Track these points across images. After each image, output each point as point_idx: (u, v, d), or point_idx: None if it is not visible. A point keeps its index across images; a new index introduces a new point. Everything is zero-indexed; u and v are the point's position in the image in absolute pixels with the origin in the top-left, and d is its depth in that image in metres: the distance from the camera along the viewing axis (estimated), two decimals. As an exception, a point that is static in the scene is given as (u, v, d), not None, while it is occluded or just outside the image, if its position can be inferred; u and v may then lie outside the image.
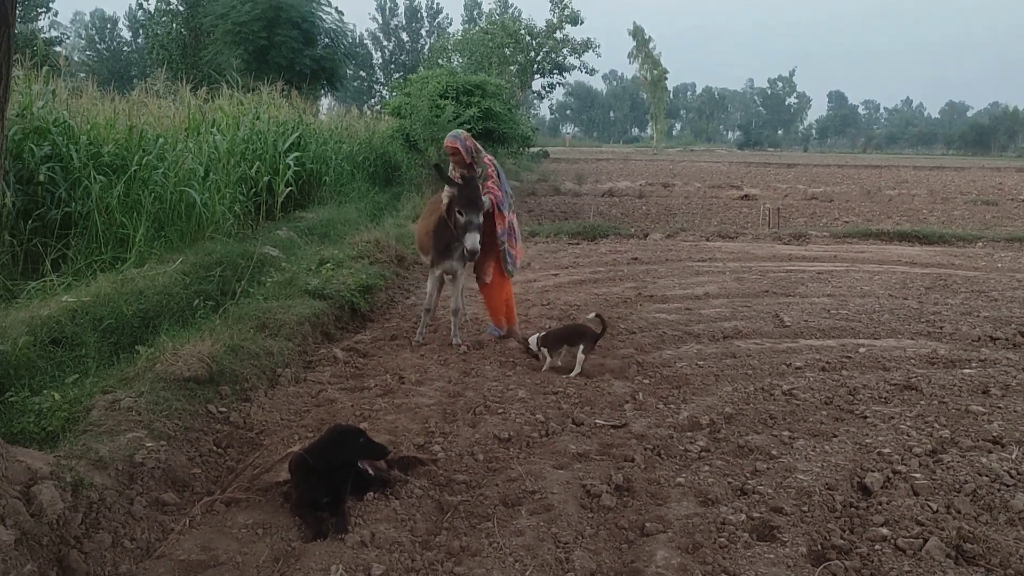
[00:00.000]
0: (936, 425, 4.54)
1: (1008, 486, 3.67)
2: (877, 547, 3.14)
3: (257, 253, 8.12)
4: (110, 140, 8.63)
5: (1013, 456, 4.04)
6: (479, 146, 6.25)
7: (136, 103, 10.93)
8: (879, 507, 3.50)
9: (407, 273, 8.92)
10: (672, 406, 4.86)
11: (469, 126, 15.34)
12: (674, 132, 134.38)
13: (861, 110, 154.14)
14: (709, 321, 6.99)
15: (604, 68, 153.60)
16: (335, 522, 3.24)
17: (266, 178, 11.58)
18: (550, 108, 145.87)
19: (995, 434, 4.33)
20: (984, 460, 3.99)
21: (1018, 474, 3.80)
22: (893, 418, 4.65)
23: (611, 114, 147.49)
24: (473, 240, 5.49)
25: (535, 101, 54.29)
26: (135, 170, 8.16)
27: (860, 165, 44.15)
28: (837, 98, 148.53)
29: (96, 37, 74.65)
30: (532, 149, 31.40)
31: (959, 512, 3.46)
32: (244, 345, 5.10)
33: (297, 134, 13.13)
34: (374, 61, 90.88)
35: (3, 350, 4.67)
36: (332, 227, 10.77)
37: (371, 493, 3.54)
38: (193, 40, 30.97)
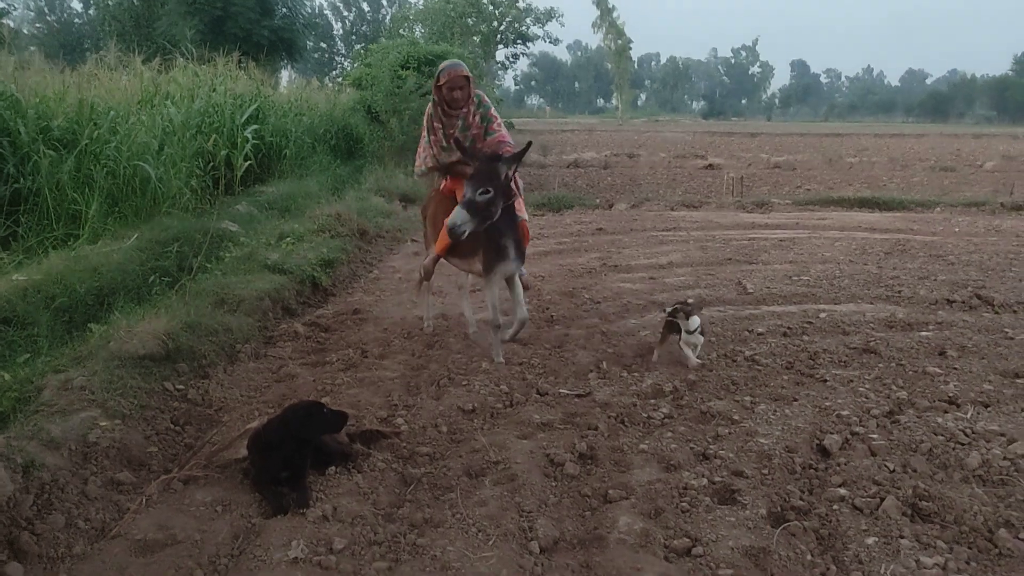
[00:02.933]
0: (894, 387, 4.61)
1: (963, 444, 3.73)
2: (835, 507, 3.18)
3: (215, 228, 7.98)
4: (60, 114, 8.37)
5: (968, 415, 4.11)
6: None
7: (87, 76, 10.63)
8: (837, 468, 3.54)
9: (369, 247, 8.82)
10: (636, 374, 4.88)
11: (429, 96, 15.14)
12: (639, 103, 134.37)
13: (823, 79, 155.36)
14: (673, 290, 7.02)
15: (569, 38, 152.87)
16: (296, 497, 3.20)
17: (224, 152, 11.35)
18: (515, 79, 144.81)
19: (951, 394, 4.40)
20: (940, 420, 4.06)
21: (973, 433, 3.86)
22: (852, 381, 4.71)
23: (576, 85, 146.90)
24: (455, 214, 4.50)
25: (499, 72, 53.83)
26: (86, 144, 7.94)
27: (822, 133, 44.52)
28: (800, 67, 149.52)
29: (46, 9, 72.40)
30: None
31: (915, 471, 3.51)
32: (202, 321, 5.00)
33: (255, 106, 12.86)
34: (335, 32, 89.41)
35: (-50, 330, 4.54)
36: (293, 201, 10.60)
37: (333, 468, 3.50)
38: (146, 11, 30.14)
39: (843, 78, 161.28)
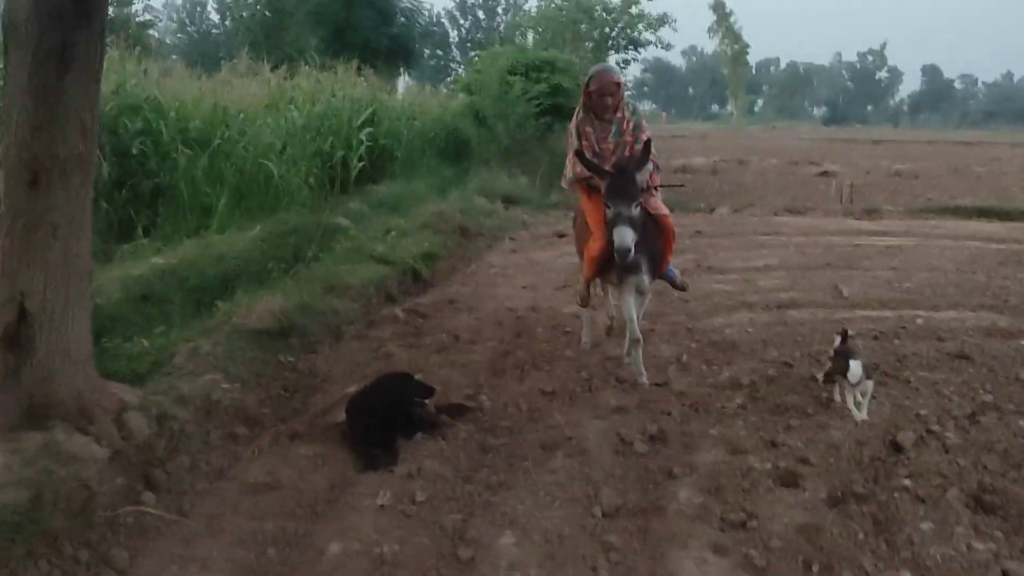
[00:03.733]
0: (981, 391, 4.59)
1: (1041, 447, 3.74)
2: (896, 495, 3.28)
3: (329, 223, 8.56)
4: (196, 116, 9.17)
5: (1053, 421, 4.09)
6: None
7: (221, 82, 11.55)
8: (906, 462, 3.62)
9: (469, 243, 9.24)
10: (715, 367, 5.04)
11: (538, 101, 15.54)
12: (755, 109, 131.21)
13: (957, 84, 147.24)
14: (765, 292, 7.08)
15: (683, 43, 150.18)
16: (386, 456, 3.58)
17: (340, 153, 12.07)
18: (627, 85, 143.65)
19: (1040, 400, 4.37)
20: (1022, 423, 4.06)
21: (1054, 437, 3.86)
22: (937, 384, 4.71)
23: (690, 90, 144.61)
24: (622, 237, 4.23)
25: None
26: (218, 144, 8.69)
27: (952, 142, 42.32)
28: (931, 72, 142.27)
29: (187, 20, 77.25)
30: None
31: (985, 468, 3.55)
32: (312, 304, 5.51)
33: (371, 110, 13.57)
34: (451, 40, 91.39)
35: (100, 303, 5.16)
36: (401, 200, 11.14)
37: (420, 434, 3.86)
38: (276, 22, 31.83)
39: (979, 84, 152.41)
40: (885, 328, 5.86)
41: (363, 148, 12.47)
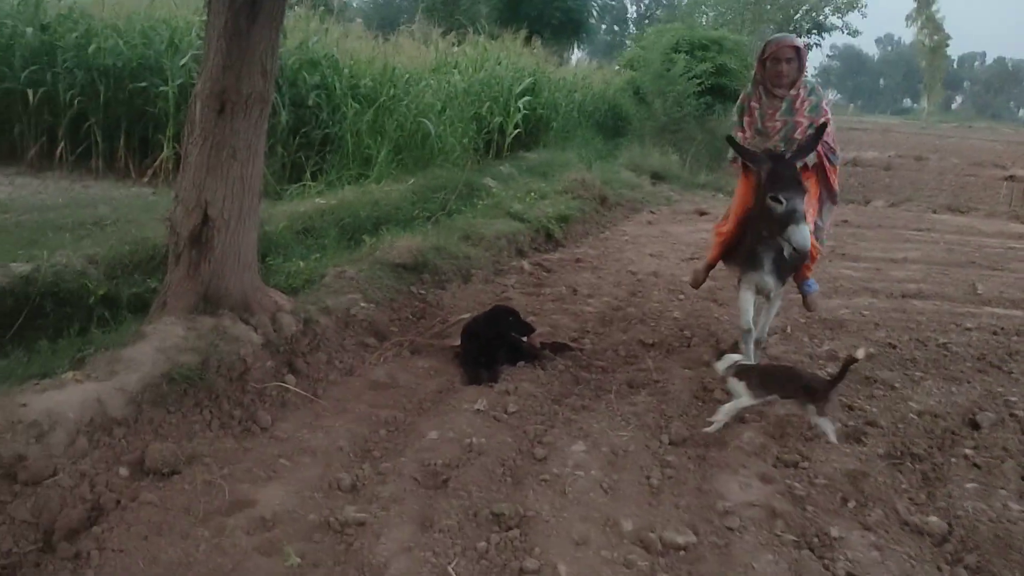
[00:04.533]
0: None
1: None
2: (953, 460, 3.46)
3: (476, 182, 9.18)
4: (367, 74, 10.03)
5: None
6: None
7: (393, 44, 12.41)
8: (976, 437, 3.75)
9: (606, 212, 9.59)
10: (816, 341, 5.21)
11: (699, 80, 15.53)
12: (953, 106, 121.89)
13: None
14: (893, 281, 7.05)
15: (879, 31, 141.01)
16: (488, 374, 4.09)
17: (498, 119, 12.71)
18: (812, 71, 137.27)
19: None
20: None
21: None
22: (1041, 380, 4.71)
23: (881, 82, 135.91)
24: (802, 235, 3.74)
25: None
26: (384, 101, 9.49)
27: None
28: None
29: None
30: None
31: (1054, 449, 3.64)
32: (448, 247, 6.10)
33: (531, 80, 14.11)
34: (628, 16, 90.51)
35: (268, 230, 5.98)
36: (550, 167, 11.61)
37: (523, 363, 4.35)
38: (454, -10, 33.00)
39: None
40: (1007, 325, 5.76)
41: (520, 116, 13.06)
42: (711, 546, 2.74)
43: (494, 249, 6.67)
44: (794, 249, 3.83)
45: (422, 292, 5.42)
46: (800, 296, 4.85)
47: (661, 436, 3.60)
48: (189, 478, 2.91)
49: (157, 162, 9.15)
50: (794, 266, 4.36)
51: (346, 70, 9.66)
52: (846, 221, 10.37)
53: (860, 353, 3.54)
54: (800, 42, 4.37)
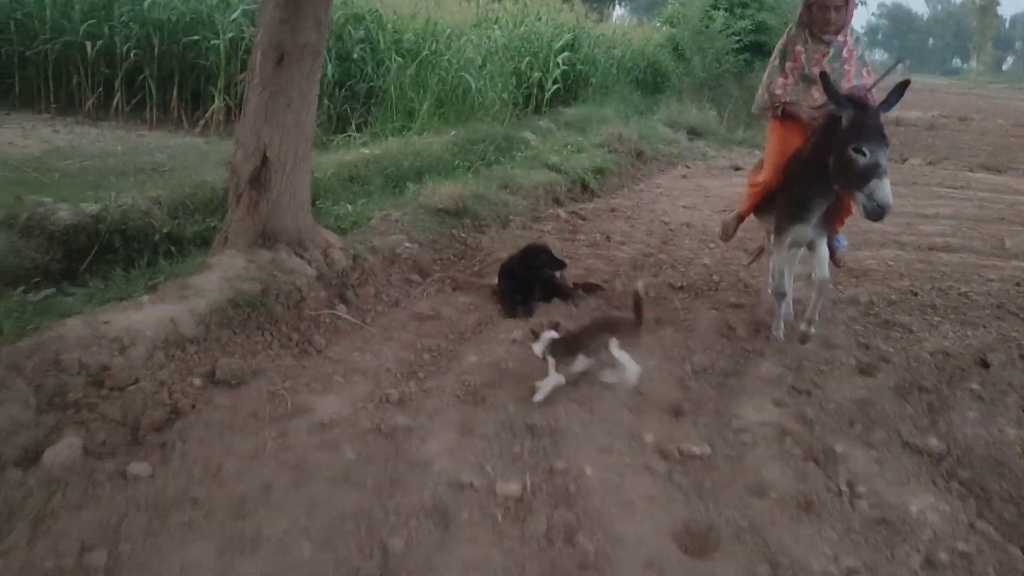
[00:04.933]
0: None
1: None
2: (959, 393, 3.68)
3: (515, 135, 9.39)
4: (410, 29, 10.25)
5: None
6: None
7: (436, 0, 12.57)
8: (984, 374, 3.95)
9: (642, 165, 9.74)
10: (840, 288, 5.40)
11: (738, 37, 15.44)
12: (1004, 67, 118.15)
13: None
14: (922, 235, 7.16)
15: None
16: (524, 309, 4.38)
17: (537, 74, 12.86)
18: (860, 29, 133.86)
19: None
20: None
21: None
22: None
23: (930, 41, 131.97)
24: (885, 191, 3.48)
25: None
26: (426, 55, 9.71)
27: None
28: None
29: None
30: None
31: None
32: (487, 195, 6.36)
33: (571, 36, 14.19)
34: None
35: (317, 176, 6.29)
36: (588, 122, 11.74)
37: (556, 300, 4.62)
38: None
39: None
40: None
41: (559, 71, 13.18)
42: (725, 457, 3.02)
43: (532, 198, 6.91)
44: (878, 205, 3.48)
45: (462, 235, 5.70)
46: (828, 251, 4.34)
47: (684, 365, 3.86)
48: (255, 388, 3.26)
49: (208, 113, 9.52)
50: (832, 217, 4.10)
51: (390, 25, 9.90)
52: (882, 178, 10.40)
53: (640, 285, 3.70)
54: None
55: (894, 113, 14.06)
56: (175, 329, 3.44)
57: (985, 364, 4.10)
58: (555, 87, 13.17)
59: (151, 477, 2.57)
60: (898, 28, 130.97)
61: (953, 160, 12.68)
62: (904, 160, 12.53)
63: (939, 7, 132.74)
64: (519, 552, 2.35)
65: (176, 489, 2.49)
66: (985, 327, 4.71)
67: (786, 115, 4.28)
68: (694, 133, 13.07)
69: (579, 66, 14.52)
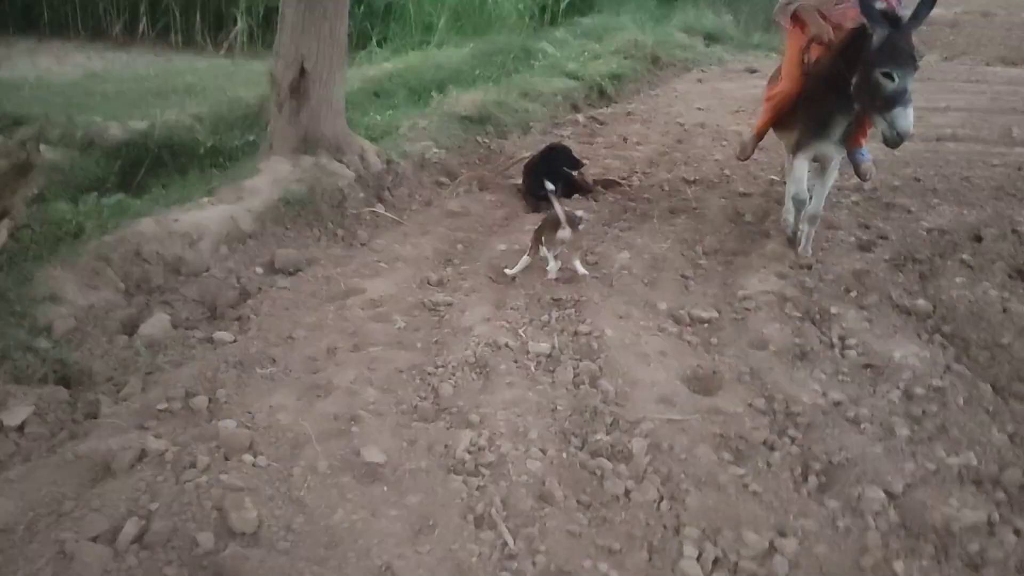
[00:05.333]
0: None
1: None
2: (950, 263, 4.00)
3: (532, 46, 9.53)
4: (426, -59, 10.28)
5: None
6: None
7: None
8: (976, 247, 4.25)
9: (658, 71, 9.85)
10: (846, 175, 5.66)
11: (755, -62, 15.19)
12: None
13: None
14: (931, 127, 7.33)
15: None
16: (546, 204, 4.71)
17: (552, -14, 12.84)
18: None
19: None
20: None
21: None
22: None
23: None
24: (908, 120, 3.40)
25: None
26: (442, -32, 9.80)
27: None
28: None
29: None
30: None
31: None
32: (508, 102, 6.63)
33: (584, -57, 14.05)
34: None
35: (346, 91, 6.58)
36: (604, 31, 11.78)
37: (577, 195, 4.96)
38: None
39: None
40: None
41: (573, -19, 13.14)
42: (730, 320, 3.40)
43: (551, 105, 7.17)
44: (897, 133, 3.39)
45: (486, 141, 6.00)
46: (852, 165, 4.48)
47: (695, 247, 4.21)
48: (311, 274, 3.67)
49: (231, 35, 9.73)
50: (853, 130, 3.94)
51: (405, -63, 9.95)
52: (896, 76, 10.47)
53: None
54: None
55: (908, 11, 13.80)
56: (235, 225, 3.84)
57: (978, 238, 4.39)
58: (570, -2, 13.16)
59: (234, 342, 3.00)
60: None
61: (971, 55, 12.62)
62: (920, 57, 12.51)
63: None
64: (550, 393, 2.76)
65: (256, 350, 2.91)
66: (982, 207, 4.98)
67: (803, 23, 3.99)
68: (711, 38, 13.05)
69: (593, -26, 14.41)
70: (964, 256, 4.07)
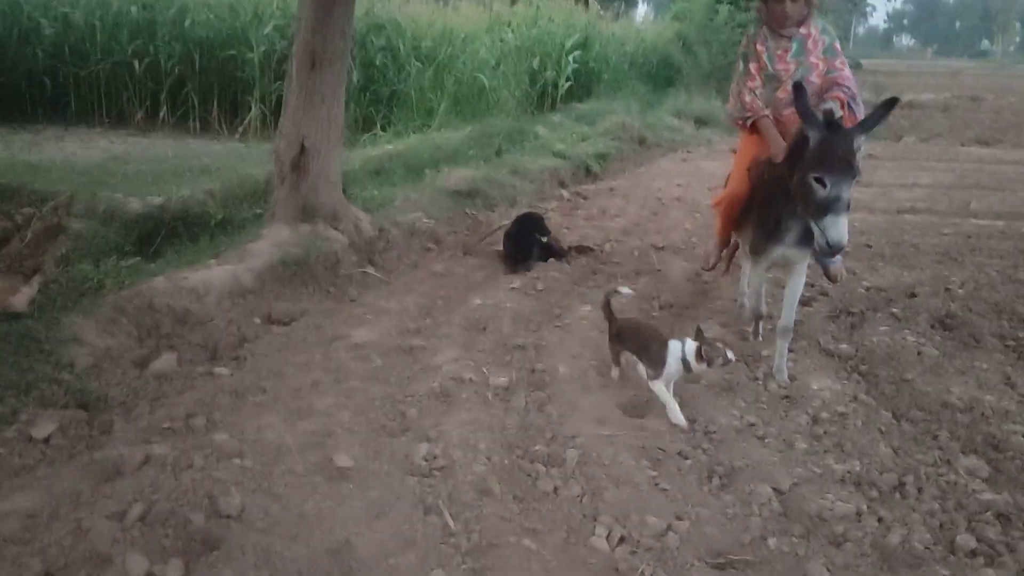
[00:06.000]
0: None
1: None
2: (879, 315, 4.43)
3: (527, 128, 10.23)
4: (428, 36, 11.15)
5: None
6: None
7: (452, 7, 13.48)
8: (908, 302, 4.68)
9: (644, 151, 10.53)
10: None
11: (741, 29, 16.13)
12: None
13: None
14: (894, 200, 7.87)
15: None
16: (523, 265, 5.21)
17: (551, 73, 13.68)
18: (887, 16, 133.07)
19: None
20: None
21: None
22: (980, 264, 5.54)
23: (956, 24, 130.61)
24: (839, 231, 3.13)
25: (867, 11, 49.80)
26: (442, 59, 10.60)
27: None
28: None
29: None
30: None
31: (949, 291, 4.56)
32: (497, 178, 7.22)
33: (580, 36, 14.98)
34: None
35: (347, 170, 7.17)
36: (598, 115, 12.54)
37: (552, 260, 5.44)
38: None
39: None
40: (982, 232, 6.57)
41: (571, 69, 13.99)
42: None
43: (538, 181, 7.76)
44: (827, 243, 3.15)
45: (474, 212, 6.56)
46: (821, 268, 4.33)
47: (652, 302, 4.68)
48: (303, 324, 4.14)
49: (246, 121, 10.49)
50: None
51: (408, 32, 10.80)
52: (871, 155, 11.06)
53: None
54: None
55: (907, 97, 14.70)
56: (238, 282, 4.33)
57: (913, 295, 4.85)
58: (568, 84, 13.99)
59: (231, 375, 3.45)
60: (924, 12, 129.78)
61: (948, 137, 13.26)
62: (899, 139, 13.16)
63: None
64: (503, 416, 3.18)
65: (249, 382, 3.36)
66: (923, 270, 5.44)
67: (755, 125, 4.02)
68: (700, 122, 13.80)
69: (591, 64, 15.32)
70: (894, 310, 4.51)
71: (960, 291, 4.86)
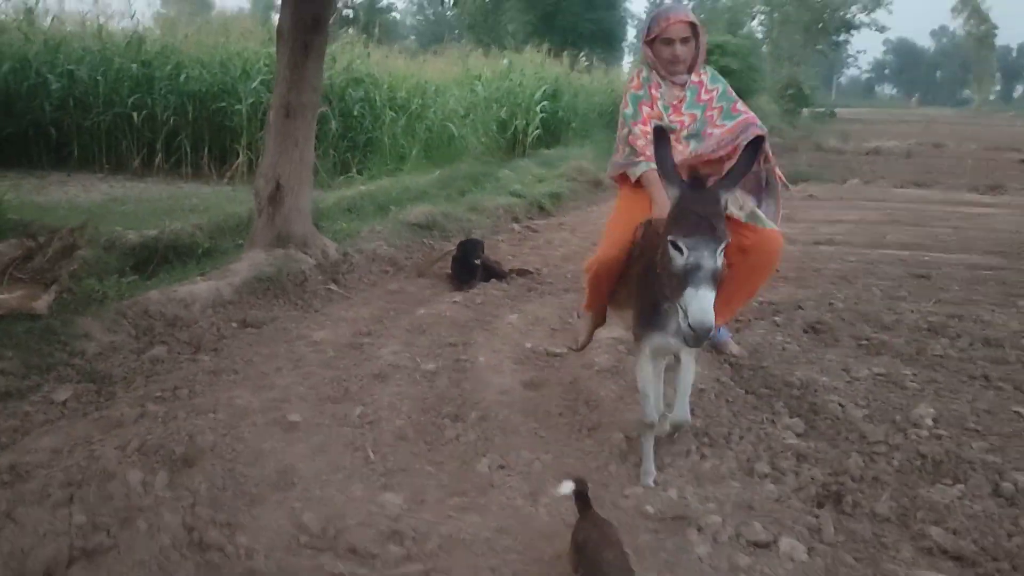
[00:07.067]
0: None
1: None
2: (762, 322, 5.27)
3: (493, 173, 11.17)
4: (402, 88, 12.14)
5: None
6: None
7: (426, 61, 14.55)
8: (790, 313, 5.53)
9: (599, 193, 11.46)
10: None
11: (701, 82, 17.25)
12: (1015, 95, 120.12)
13: None
14: (817, 234, 8.76)
15: (933, 24, 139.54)
16: (467, 284, 6.05)
17: (522, 122, 14.72)
18: (868, 66, 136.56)
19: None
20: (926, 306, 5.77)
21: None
22: (888, 291, 6.40)
23: (937, 74, 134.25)
24: (701, 307, 2.40)
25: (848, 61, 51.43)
26: (414, 109, 11.57)
27: None
28: None
29: (425, 3, 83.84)
30: (818, 109, 31.88)
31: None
32: (455, 214, 8.10)
33: (549, 87, 16.07)
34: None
35: (322, 207, 8.05)
36: (563, 161, 13.53)
37: (494, 280, 6.29)
38: (493, 6, 35.25)
39: None
40: (883, 259, 7.43)
41: (538, 119, 15.04)
42: (574, 355, 4.63)
43: (493, 217, 8.64)
44: (689, 326, 2.44)
45: (431, 242, 7.42)
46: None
47: (572, 313, 5.50)
48: (272, 327, 4.96)
49: (234, 167, 11.38)
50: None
51: (385, 85, 11.79)
52: (811, 196, 12.05)
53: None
54: (694, 17, 3.65)
55: (872, 144, 15.65)
56: (219, 294, 5.16)
57: (799, 308, 5.69)
58: (536, 132, 15.01)
59: (210, 361, 4.27)
60: (905, 63, 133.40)
61: (888, 178, 14.28)
62: (844, 181, 14.17)
63: (944, 40, 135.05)
64: (426, 390, 4.00)
65: (225, 366, 4.18)
66: (815, 288, 6.29)
67: (638, 182, 3.68)
68: (660, 166, 14.77)
69: (560, 113, 16.39)
70: (776, 319, 5.36)
71: (841, 305, 5.70)
